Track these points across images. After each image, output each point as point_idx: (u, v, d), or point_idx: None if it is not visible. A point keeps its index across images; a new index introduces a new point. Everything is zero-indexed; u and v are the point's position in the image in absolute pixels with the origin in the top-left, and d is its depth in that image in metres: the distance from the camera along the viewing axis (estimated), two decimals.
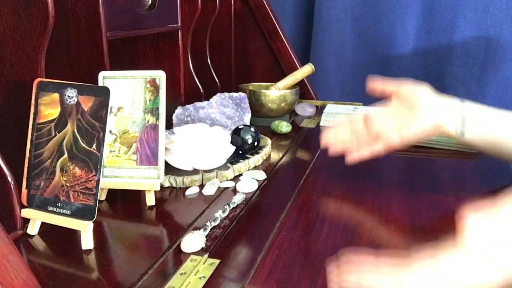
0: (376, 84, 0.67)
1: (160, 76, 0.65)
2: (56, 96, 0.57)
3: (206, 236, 0.55)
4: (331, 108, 1.12)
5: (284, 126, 0.99)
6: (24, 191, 0.57)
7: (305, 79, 1.24)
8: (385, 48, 1.39)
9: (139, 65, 0.95)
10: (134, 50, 0.94)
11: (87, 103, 0.56)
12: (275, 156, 0.86)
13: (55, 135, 0.57)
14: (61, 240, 0.55)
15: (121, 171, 0.65)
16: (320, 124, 1.08)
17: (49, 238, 0.56)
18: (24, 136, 0.58)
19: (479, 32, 1.29)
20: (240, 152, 0.81)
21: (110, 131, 0.65)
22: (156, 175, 0.65)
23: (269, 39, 1.29)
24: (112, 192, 0.66)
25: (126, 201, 0.66)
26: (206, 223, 0.57)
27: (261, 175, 0.75)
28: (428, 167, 0.81)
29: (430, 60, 1.37)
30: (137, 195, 0.67)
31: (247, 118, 0.96)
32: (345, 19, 1.41)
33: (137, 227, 0.59)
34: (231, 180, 0.74)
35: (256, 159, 0.80)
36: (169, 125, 0.86)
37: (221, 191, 0.70)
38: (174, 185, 0.71)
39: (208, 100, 0.96)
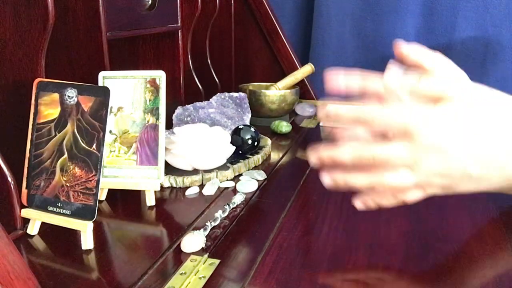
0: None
1: (160, 76, 0.65)
2: (56, 96, 0.57)
3: (206, 236, 0.55)
4: None
5: (284, 126, 0.99)
6: (24, 191, 0.57)
7: (305, 79, 1.24)
8: (385, 48, 1.39)
9: (139, 65, 0.95)
10: (134, 50, 0.94)
11: (87, 103, 0.56)
12: (275, 156, 0.86)
13: (55, 135, 0.57)
14: (61, 240, 0.55)
15: (121, 171, 0.65)
16: (320, 124, 1.08)
17: (49, 238, 0.56)
18: (24, 136, 0.58)
19: (479, 32, 1.29)
20: (240, 152, 0.81)
21: (110, 131, 0.65)
22: (156, 175, 0.65)
23: (269, 39, 1.29)
24: (112, 192, 0.66)
25: (126, 201, 0.66)
26: (206, 223, 0.57)
27: (261, 175, 0.75)
28: None
29: None
30: (137, 195, 0.67)
31: (247, 118, 0.96)
32: (345, 19, 1.41)
33: (137, 227, 0.59)
34: (231, 180, 0.74)
35: (256, 159, 0.80)
36: (169, 125, 0.86)
37: (221, 191, 0.70)
38: (174, 185, 0.71)
39: (208, 100, 0.96)
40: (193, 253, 0.52)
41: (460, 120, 0.42)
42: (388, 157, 0.43)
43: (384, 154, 0.43)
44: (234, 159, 0.78)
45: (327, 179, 0.47)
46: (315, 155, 0.46)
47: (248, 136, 0.81)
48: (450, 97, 0.43)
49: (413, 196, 0.46)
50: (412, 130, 0.41)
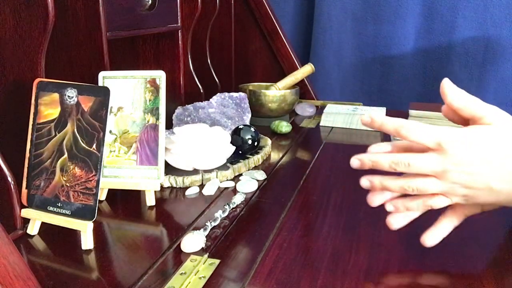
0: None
1: (160, 76, 0.65)
2: (56, 96, 0.57)
3: (206, 236, 0.55)
4: (331, 108, 1.12)
5: (284, 126, 1.00)
6: (24, 191, 0.57)
7: (305, 79, 1.24)
8: (385, 48, 1.39)
9: (139, 65, 0.95)
10: (134, 50, 0.94)
11: (87, 103, 0.56)
12: (275, 156, 0.86)
13: (55, 135, 0.57)
14: (61, 240, 0.55)
15: (121, 171, 0.65)
16: (320, 124, 1.08)
17: (49, 238, 0.56)
18: (24, 136, 0.58)
19: (479, 32, 1.29)
20: (240, 152, 0.81)
21: (110, 131, 0.65)
22: (156, 175, 0.65)
23: (269, 39, 1.29)
24: (112, 192, 0.66)
25: (126, 201, 0.66)
26: (206, 223, 0.57)
27: (261, 175, 0.75)
28: None
29: (430, 60, 1.37)
30: (137, 195, 0.67)
31: (247, 118, 0.96)
32: (345, 19, 1.41)
33: (137, 227, 0.59)
34: (231, 180, 0.74)
35: (256, 159, 0.80)
36: (169, 125, 0.86)
37: (221, 191, 0.70)
38: (174, 185, 0.71)
39: (208, 100, 0.96)
40: (193, 253, 0.52)
41: (488, 141, 0.47)
42: (421, 165, 0.48)
43: (419, 162, 0.48)
44: (234, 159, 0.78)
45: (365, 181, 0.52)
46: (358, 157, 0.52)
47: (248, 136, 0.81)
48: (489, 122, 0.48)
49: (440, 202, 0.49)
50: (445, 145, 0.46)
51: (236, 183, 0.72)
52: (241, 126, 0.82)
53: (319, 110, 1.18)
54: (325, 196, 0.67)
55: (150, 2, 0.83)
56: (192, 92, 1.04)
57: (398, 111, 1.17)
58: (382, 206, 0.65)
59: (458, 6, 1.29)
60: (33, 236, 0.56)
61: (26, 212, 0.56)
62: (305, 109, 1.18)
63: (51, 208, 0.56)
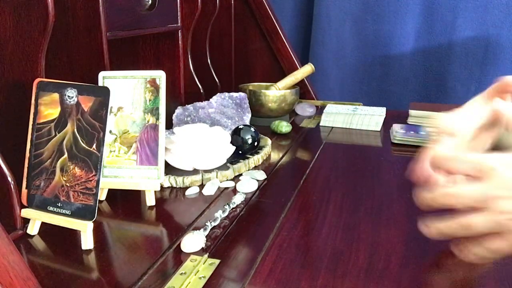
0: None
1: (160, 76, 0.65)
2: (56, 96, 0.57)
3: (206, 236, 0.55)
4: (331, 108, 1.12)
5: (284, 126, 1.00)
6: (24, 191, 0.57)
7: (305, 79, 1.24)
8: (385, 48, 1.39)
9: (139, 65, 0.95)
10: (134, 50, 0.94)
11: (87, 103, 0.56)
12: (275, 156, 0.86)
13: (55, 135, 0.57)
14: (61, 240, 0.55)
15: (121, 171, 0.65)
16: (320, 124, 1.08)
17: (49, 238, 0.56)
18: (24, 136, 0.58)
19: (479, 32, 1.29)
20: (240, 152, 0.81)
21: (110, 131, 0.65)
22: (156, 175, 0.65)
23: (269, 39, 1.29)
24: (112, 192, 0.66)
25: (126, 201, 0.66)
26: (206, 223, 0.57)
27: (261, 175, 0.75)
28: None
29: (430, 60, 1.37)
30: (137, 195, 0.67)
31: (247, 118, 0.96)
32: (344, 19, 1.41)
33: (137, 227, 0.59)
34: (231, 180, 0.74)
35: (256, 159, 0.80)
36: (169, 125, 0.86)
37: (221, 191, 0.70)
38: (174, 185, 0.71)
39: (208, 100, 0.96)
40: (193, 253, 0.52)
41: None
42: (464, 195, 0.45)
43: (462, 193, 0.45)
44: (234, 159, 0.78)
45: (424, 228, 0.49)
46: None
47: (248, 136, 0.81)
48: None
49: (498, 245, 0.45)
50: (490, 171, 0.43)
51: (236, 183, 0.72)
52: (241, 126, 0.82)
53: (319, 110, 1.18)
54: (325, 196, 0.67)
55: (150, 2, 0.83)
56: (192, 92, 1.04)
57: (398, 111, 1.17)
58: (381, 205, 0.65)
59: (458, 6, 1.29)
60: (33, 236, 0.56)
61: (26, 212, 0.56)
62: (305, 109, 1.18)
63: (51, 208, 0.56)
